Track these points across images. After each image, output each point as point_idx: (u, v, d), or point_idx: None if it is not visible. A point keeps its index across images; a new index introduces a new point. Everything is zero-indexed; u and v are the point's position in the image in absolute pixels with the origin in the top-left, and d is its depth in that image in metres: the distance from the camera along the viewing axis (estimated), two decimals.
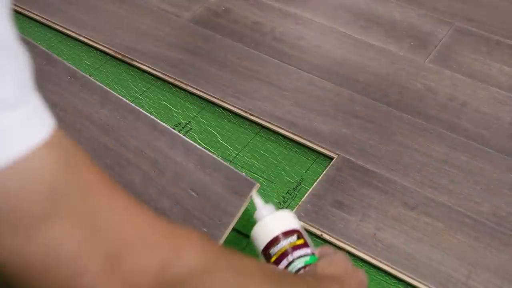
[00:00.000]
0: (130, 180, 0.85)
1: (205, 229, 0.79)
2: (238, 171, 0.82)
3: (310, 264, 0.63)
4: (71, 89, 0.94)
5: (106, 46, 1.10)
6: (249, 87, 1.03)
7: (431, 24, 1.19)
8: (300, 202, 0.86)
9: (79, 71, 0.96)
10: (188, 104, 1.02)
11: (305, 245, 0.65)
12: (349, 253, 0.81)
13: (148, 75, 1.07)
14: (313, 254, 0.65)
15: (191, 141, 0.86)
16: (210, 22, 1.17)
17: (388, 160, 0.92)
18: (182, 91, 1.04)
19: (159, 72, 1.06)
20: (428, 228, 0.83)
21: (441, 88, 1.05)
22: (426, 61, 1.11)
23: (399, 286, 0.78)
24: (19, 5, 1.18)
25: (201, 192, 0.82)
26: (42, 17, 1.16)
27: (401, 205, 0.86)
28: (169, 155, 0.85)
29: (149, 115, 0.89)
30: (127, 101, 0.92)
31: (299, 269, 0.63)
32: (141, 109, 0.90)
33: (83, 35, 1.12)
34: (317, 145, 0.94)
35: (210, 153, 0.85)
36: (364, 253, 0.80)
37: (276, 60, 1.09)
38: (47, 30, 1.15)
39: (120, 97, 0.92)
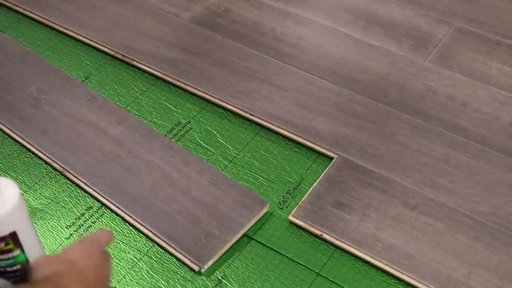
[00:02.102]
0: (138, 184, 0.86)
1: (217, 232, 0.81)
2: (251, 191, 0.86)
3: (19, 263, 0.61)
4: (90, 107, 0.98)
5: (106, 46, 1.10)
6: (249, 87, 1.03)
7: (431, 24, 1.19)
8: (300, 202, 0.86)
9: (100, 94, 1.00)
10: (188, 104, 1.02)
11: (13, 249, 0.63)
12: (349, 253, 0.81)
13: (148, 75, 1.07)
14: (23, 253, 0.63)
15: (206, 162, 0.90)
16: (210, 22, 1.17)
17: (388, 160, 0.92)
18: (182, 91, 1.04)
19: (159, 72, 1.06)
20: (428, 228, 0.83)
21: (441, 88, 1.05)
22: (426, 61, 1.11)
23: (399, 286, 0.78)
24: (19, 5, 1.18)
25: (213, 203, 0.84)
26: (42, 17, 1.16)
27: (401, 205, 0.86)
28: (183, 170, 0.88)
29: (167, 138, 0.93)
30: (146, 123, 0.95)
31: (7, 271, 0.61)
32: (159, 132, 0.94)
33: (83, 35, 1.12)
34: (317, 145, 0.94)
35: (225, 173, 0.89)
36: (364, 253, 0.80)
37: (276, 60, 1.09)
38: (47, 30, 1.15)
39: (139, 120, 0.96)
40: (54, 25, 1.15)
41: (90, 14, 1.17)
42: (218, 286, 0.77)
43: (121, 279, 0.77)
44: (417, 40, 1.15)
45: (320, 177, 0.89)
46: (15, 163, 0.91)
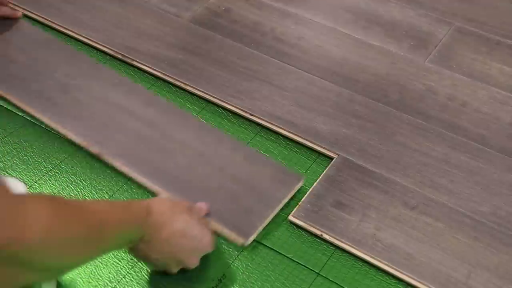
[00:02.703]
0: (175, 163, 0.89)
1: (256, 207, 0.83)
2: (285, 166, 0.89)
3: None
4: (118, 90, 1.01)
5: (106, 46, 1.10)
6: (249, 87, 1.03)
7: (431, 24, 1.19)
8: (300, 202, 0.86)
9: (126, 78, 1.03)
10: (188, 104, 1.02)
11: None
12: (349, 253, 0.81)
13: (148, 75, 1.07)
14: None
15: (238, 141, 0.93)
16: (210, 22, 1.17)
17: (388, 160, 0.92)
18: (182, 91, 1.04)
19: (159, 72, 1.06)
20: (428, 228, 0.83)
21: (441, 88, 1.05)
22: (426, 61, 1.11)
23: (399, 286, 0.78)
24: (19, 5, 1.18)
25: (249, 180, 0.87)
26: (42, 17, 1.16)
27: (401, 205, 0.86)
28: (217, 149, 0.91)
29: (197, 119, 0.96)
30: (174, 106, 0.98)
31: None
32: (190, 114, 0.97)
33: (83, 35, 1.12)
34: (317, 145, 0.94)
35: (258, 151, 0.92)
36: (364, 253, 0.80)
37: (276, 60, 1.09)
38: (47, 30, 1.15)
39: (168, 102, 0.99)
40: (54, 25, 1.15)
41: (90, 14, 1.17)
42: (218, 286, 0.77)
43: (121, 279, 0.77)
44: (417, 40, 1.15)
45: (320, 177, 0.89)
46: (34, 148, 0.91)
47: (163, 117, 0.95)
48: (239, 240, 0.81)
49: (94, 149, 0.91)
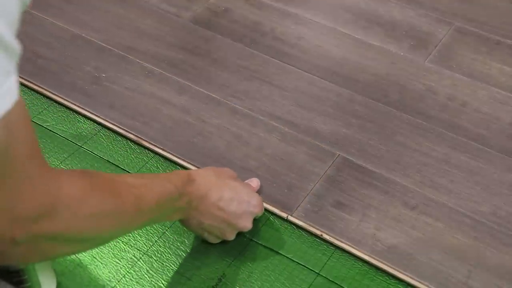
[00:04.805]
0: (215, 146, 0.93)
1: (296, 182, 0.87)
2: (319, 143, 0.93)
3: None
4: (149, 81, 1.04)
5: (107, 46, 1.10)
6: (249, 87, 1.03)
7: (431, 24, 1.19)
8: (300, 202, 0.86)
9: (157, 69, 1.06)
10: None
11: None
12: (349, 253, 0.81)
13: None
14: None
15: (271, 122, 0.96)
16: (210, 22, 1.17)
17: (388, 160, 0.92)
18: None
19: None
20: (428, 228, 0.83)
21: (441, 88, 1.05)
22: (426, 61, 1.11)
23: (399, 286, 0.78)
24: None
25: (287, 158, 0.91)
26: (43, 17, 1.16)
27: (401, 205, 0.86)
28: (252, 131, 0.95)
29: (230, 103, 0.99)
30: (206, 92, 1.01)
31: (11, 272, 0.64)
32: (221, 98, 1.00)
33: (84, 35, 1.12)
34: (317, 145, 0.94)
35: (292, 130, 0.95)
36: (364, 253, 0.80)
37: (276, 60, 1.09)
38: None
39: (199, 88, 1.02)
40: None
41: (90, 14, 1.17)
42: (217, 285, 0.77)
43: (121, 278, 0.77)
44: (417, 40, 1.15)
45: (320, 177, 0.89)
46: None
47: (197, 104, 0.99)
48: (283, 214, 0.84)
49: (132, 136, 0.94)
